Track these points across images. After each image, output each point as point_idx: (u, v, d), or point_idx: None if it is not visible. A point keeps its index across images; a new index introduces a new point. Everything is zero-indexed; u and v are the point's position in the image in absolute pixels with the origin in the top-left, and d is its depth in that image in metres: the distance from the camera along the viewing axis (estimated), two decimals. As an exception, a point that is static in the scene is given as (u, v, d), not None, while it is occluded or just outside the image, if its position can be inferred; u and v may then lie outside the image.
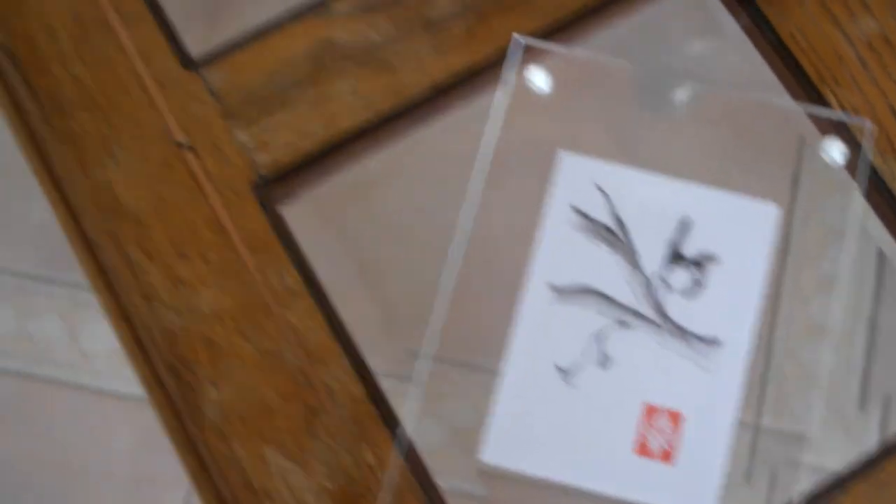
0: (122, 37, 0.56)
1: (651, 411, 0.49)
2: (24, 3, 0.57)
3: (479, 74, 0.57)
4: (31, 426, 1.22)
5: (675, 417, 0.49)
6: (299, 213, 0.54)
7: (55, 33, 0.56)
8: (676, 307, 0.51)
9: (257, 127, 0.55)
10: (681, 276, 0.51)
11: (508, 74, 0.55)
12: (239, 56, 0.56)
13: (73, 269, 1.25)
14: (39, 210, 1.26)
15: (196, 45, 0.56)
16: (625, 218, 0.52)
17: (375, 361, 0.51)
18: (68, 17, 0.57)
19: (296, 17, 0.57)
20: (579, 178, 0.53)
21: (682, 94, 0.64)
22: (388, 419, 0.51)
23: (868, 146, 0.54)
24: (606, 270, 0.51)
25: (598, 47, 0.57)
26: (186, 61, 0.56)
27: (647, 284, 0.51)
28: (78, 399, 1.22)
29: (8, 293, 1.24)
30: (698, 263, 0.51)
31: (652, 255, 0.52)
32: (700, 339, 0.50)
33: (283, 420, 0.51)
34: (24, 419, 1.22)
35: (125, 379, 1.21)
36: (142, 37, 0.56)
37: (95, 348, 1.23)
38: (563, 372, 0.50)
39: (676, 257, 0.51)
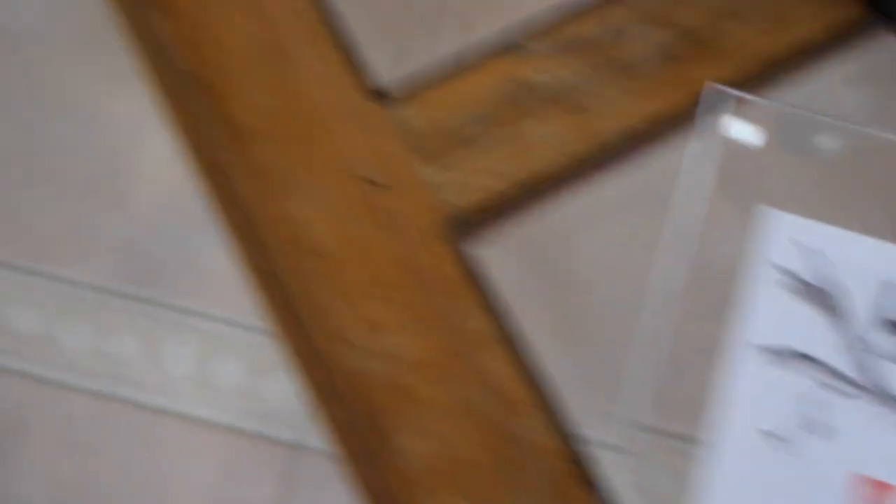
0: (312, 68, 0.56)
1: (870, 485, 0.48)
2: (214, 31, 0.56)
3: (674, 121, 0.56)
4: (107, 449, 1.21)
5: (891, 491, 0.48)
6: (493, 256, 0.53)
7: (246, 62, 0.56)
8: (893, 375, 0.50)
9: (448, 165, 0.54)
10: (898, 343, 0.50)
11: (705, 123, 0.54)
12: (430, 92, 0.56)
13: (156, 287, 1.24)
14: (121, 224, 1.26)
15: (387, 80, 0.56)
16: (837, 279, 0.51)
17: (574, 417, 0.50)
18: (259, 46, 0.56)
19: (489, 54, 0.56)
20: (785, 236, 0.52)
21: (831, 142, 0.63)
22: (587, 481, 0.49)
23: None
24: (817, 334, 0.50)
25: (802, 96, 0.56)
26: (377, 96, 0.56)
27: (862, 350, 0.50)
28: (157, 422, 1.21)
29: (86, 308, 1.24)
30: (917, 331, 0.50)
31: (867, 320, 0.50)
32: (919, 410, 0.49)
33: (478, 472, 0.50)
34: (100, 441, 1.21)
35: (208, 404, 1.21)
36: (332, 69, 0.56)
37: (177, 370, 1.22)
38: (774, 439, 0.49)
39: (894, 323, 0.50)
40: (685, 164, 0.53)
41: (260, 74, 0.55)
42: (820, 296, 0.51)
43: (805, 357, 0.50)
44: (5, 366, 1.23)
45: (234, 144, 0.54)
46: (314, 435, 1.20)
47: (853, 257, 0.52)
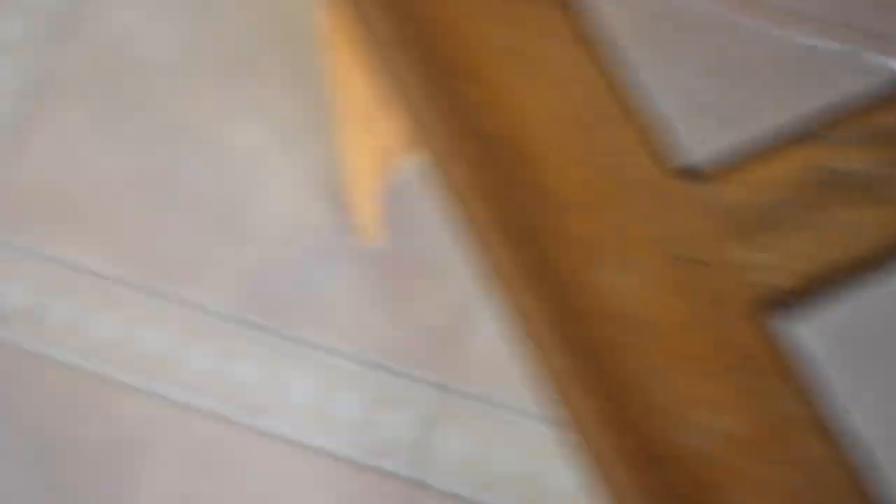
0: (619, 142, 0.53)
1: None
2: (521, 99, 0.53)
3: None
4: (226, 470, 1.18)
5: None
6: (809, 338, 0.50)
7: (553, 131, 0.53)
8: None
9: (759, 246, 0.51)
10: None
11: None
12: (738, 173, 0.53)
13: (279, 318, 1.22)
14: (247, 255, 1.23)
15: (694, 158, 0.53)
16: None
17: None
18: (566, 117, 0.53)
19: (793, 139, 0.54)
20: None
21: None
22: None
23: None
24: None
25: None
26: (685, 173, 0.53)
27: None
28: (275, 449, 1.18)
29: (212, 334, 1.21)
30: None
31: None
32: None
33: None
34: (220, 461, 1.18)
35: (325, 434, 1.18)
36: (640, 144, 0.53)
37: (297, 399, 1.20)
38: None
39: None
40: None
41: (568, 144, 0.53)
42: None
43: None
44: (134, 384, 1.20)
45: (544, 211, 0.52)
46: (431, 471, 1.17)
47: None
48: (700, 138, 0.52)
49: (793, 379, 0.49)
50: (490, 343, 1.22)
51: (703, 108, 0.53)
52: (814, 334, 0.52)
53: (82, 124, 1.29)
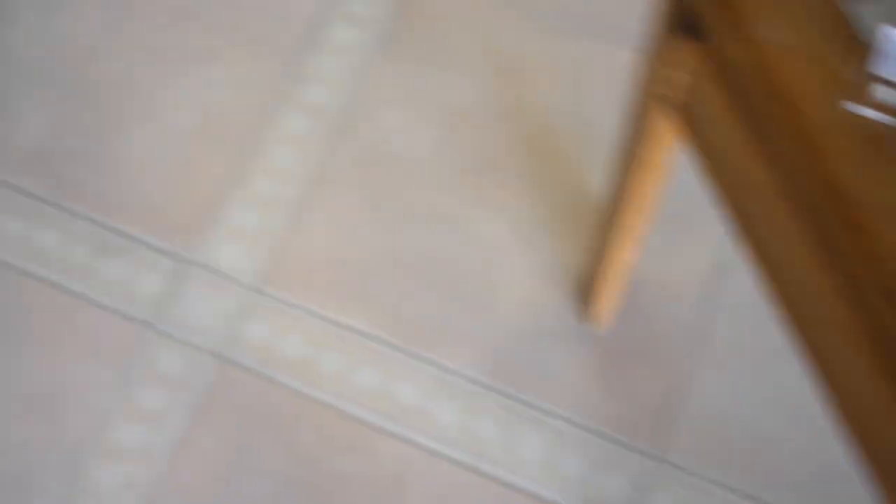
0: None
1: None
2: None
3: None
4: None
5: None
6: None
7: None
8: None
9: None
10: None
11: None
12: None
13: (514, 383, 1.22)
14: (490, 327, 1.24)
15: None
16: None
17: None
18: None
19: None
20: None
21: None
22: None
23: None
24: None
25: None
26: None
27: None
28: (507, 496, 1.18)
29: (457, 392, 1.22)
30: None
31: None
32: None
33: None
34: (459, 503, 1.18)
35: (552, 487, 1.17)
36: None
37: (527, 455, 1.20)
38: None
39: None
40: None
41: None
42: None
43: None
44: (391, 430, 1.21)
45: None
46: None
47: None
48: None
49: None
50: (698, 422, 1.20)
51: None
52: None
53: (352, 207, 1.32)
